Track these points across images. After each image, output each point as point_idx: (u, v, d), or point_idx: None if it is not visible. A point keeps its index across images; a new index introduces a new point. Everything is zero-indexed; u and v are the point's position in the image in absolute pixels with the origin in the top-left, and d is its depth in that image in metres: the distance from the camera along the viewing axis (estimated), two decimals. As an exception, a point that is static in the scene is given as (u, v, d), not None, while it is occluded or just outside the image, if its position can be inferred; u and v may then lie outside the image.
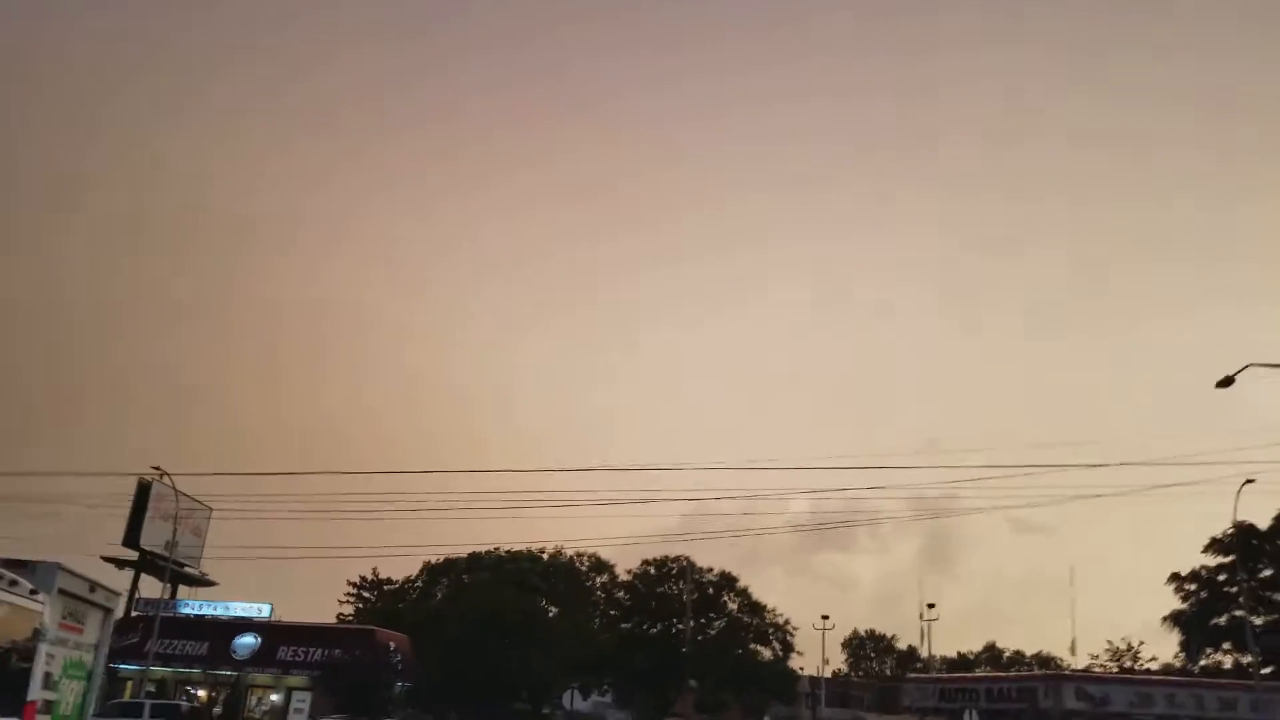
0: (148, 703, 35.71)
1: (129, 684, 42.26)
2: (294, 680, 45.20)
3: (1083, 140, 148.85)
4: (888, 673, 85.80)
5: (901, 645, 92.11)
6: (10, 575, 7.94)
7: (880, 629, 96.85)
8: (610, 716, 58.64)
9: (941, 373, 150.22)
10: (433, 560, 61.99)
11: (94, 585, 10.61)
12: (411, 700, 43.99)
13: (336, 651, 43.45)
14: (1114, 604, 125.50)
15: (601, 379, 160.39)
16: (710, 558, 64.44)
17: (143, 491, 47.75)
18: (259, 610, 50.43)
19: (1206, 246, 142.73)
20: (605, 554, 61.75)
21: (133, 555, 48.81)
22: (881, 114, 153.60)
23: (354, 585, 68.97)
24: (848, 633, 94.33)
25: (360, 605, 67.18)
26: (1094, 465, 33.92)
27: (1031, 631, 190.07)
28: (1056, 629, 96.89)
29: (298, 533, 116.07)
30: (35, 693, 8.03)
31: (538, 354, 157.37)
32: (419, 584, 63.20)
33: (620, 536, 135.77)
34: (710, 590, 54.67)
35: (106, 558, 48.91)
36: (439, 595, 58.27)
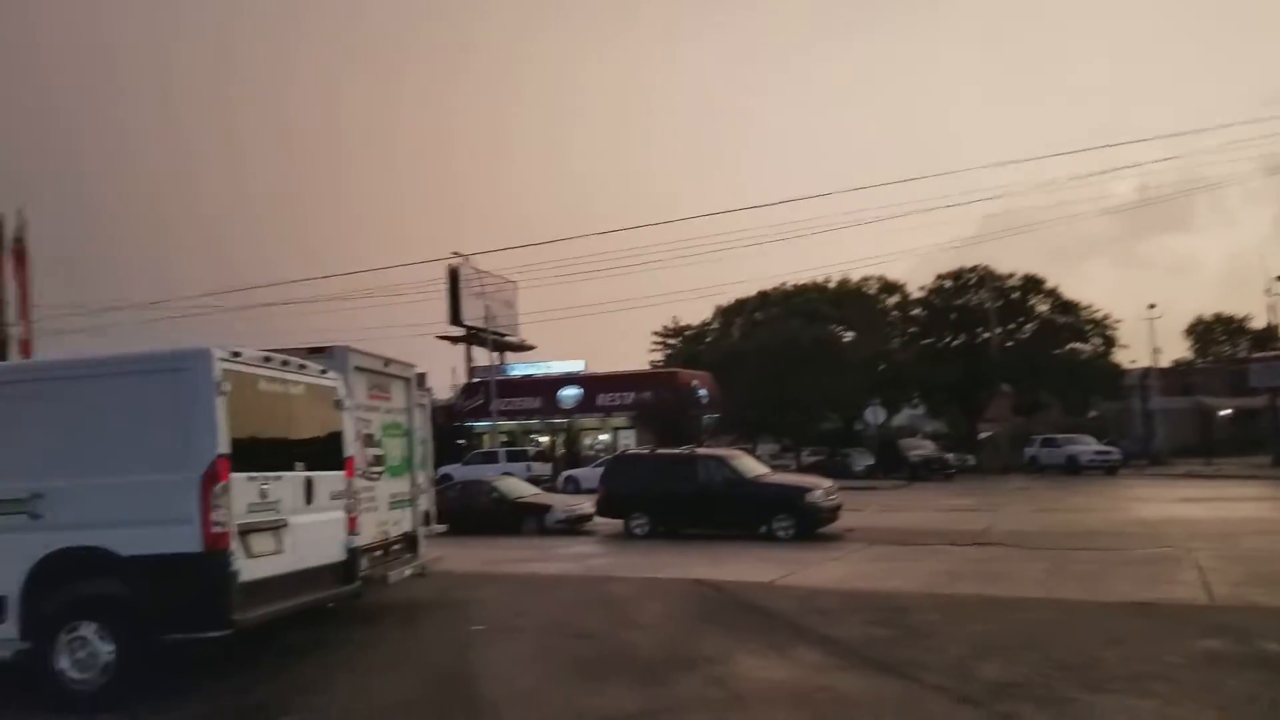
0: (502, 450, 41.35)
1: (484, 437, 48.82)
2: (616, 421, 49.98)
3: None
4: (1241, 356, 77.75)
5: (1259, 324, 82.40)
6: (299, 360, 8.76)
7: (1229, 311, 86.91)
8: (923, 427, 59.17)
9: None
10: (723, 303, 64.03)
11: (388, 360, 11.71)
12: (721, 429, 46.97)
13: (647, 394, 46.95)
14: None
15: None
16: (1013, 262, 60.37)
17: (453, 276, 52.67)
18: (577, 366, 55.88)
19: None
20: (897, 274, 59.99)
21: (459, 331, 54.80)
22: None
23: (658, 334, 73.67)
24: (1189, 320, 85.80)
25: (668, 351, 71.78)
26: None
27: None
28: None
29: (596, 291, 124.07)
30: (350, 449, 9.06)
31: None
32: (715, 326, 65.85)
33: (914, 250, 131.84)
34: (1014, 295, 51.65)
35: (441, 336, 55.33)
36: (735, 334, 60.42)
